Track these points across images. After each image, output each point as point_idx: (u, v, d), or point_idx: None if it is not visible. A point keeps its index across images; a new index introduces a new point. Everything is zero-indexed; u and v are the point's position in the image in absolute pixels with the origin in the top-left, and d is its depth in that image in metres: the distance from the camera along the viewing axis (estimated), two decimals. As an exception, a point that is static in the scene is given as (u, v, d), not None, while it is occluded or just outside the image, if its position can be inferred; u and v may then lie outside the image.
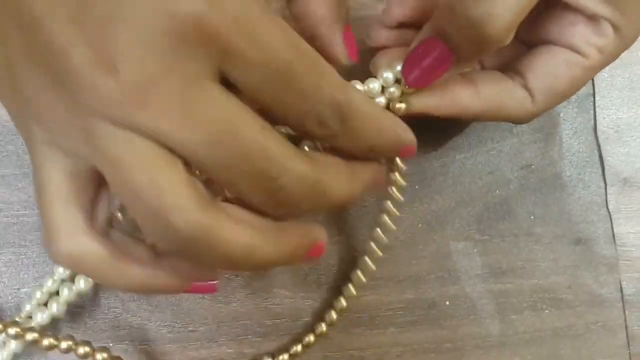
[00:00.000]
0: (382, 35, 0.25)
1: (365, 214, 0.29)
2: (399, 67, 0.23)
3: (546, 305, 0.30)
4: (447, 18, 0.21)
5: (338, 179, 0.20)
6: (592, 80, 0.31)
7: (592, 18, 0.23)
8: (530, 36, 0.25)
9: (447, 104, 0.23)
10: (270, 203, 0.19)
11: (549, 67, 0.24)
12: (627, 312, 0.30)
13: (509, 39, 0.21)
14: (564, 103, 0.31)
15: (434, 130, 0.30)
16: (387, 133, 0.21)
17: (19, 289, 0.27)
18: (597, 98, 0.31)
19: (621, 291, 0.30)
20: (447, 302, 0.29)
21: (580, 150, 0.31)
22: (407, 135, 0.22)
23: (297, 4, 0.21)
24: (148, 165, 0.16)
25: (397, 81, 0.23)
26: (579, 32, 0.23)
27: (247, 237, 0.18)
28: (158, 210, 0.16)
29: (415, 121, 0.29)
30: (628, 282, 0.30)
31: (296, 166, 0.18)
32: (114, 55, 0.15)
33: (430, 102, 0.23)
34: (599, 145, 0.31)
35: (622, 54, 0.31)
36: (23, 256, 0.27)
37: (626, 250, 0.30)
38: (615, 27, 0.23)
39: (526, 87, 0.24)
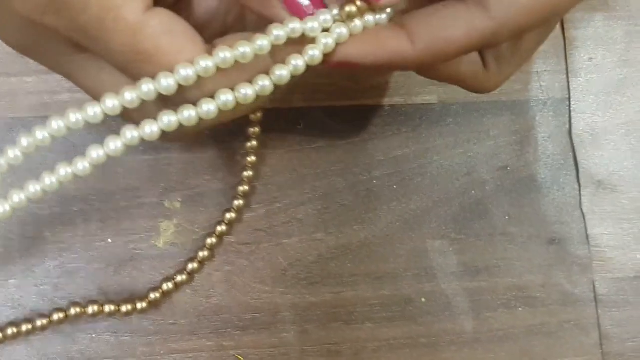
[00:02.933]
0: None
1: (347, 210, 0.30)
2: None
3: (520, 303, 0.30)
4: None
5: None
6: (568, 84, 0.32)
7: None
8: None
9: (374, 51, 0.21)
10: None
11: None
12: (599, 311, 0.31)
13: None
14: (539, 106, 0.32)
15: (412, 132, 0.31)
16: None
17: (7, 280, 0.28)
18: (572, 102, 0.32)
19: (594, 291, 0.31)
20: (423, 299, 0.30)
21: (556, 153, 0.32)
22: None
23: None
24: None
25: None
26: None
27: None
28: None
29: (396, 122, 0.31)
30: (601, 282, 0.31)
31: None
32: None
33: (355, 49, 0.21)
34: (574, 149, 0.32)
35: (599, 59, 0.32)
36: (10, 249, 0.28)
37: (600, 251, 0.31)
38: None
39: (481, 4, 0.20)
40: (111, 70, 0.20)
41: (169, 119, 0.19)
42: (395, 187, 0.30)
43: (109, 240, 0.28)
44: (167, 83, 0.18)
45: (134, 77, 0.19)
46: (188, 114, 0.19)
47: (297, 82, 0.21)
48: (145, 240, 0.28)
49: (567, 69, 0.32)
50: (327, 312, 0.29)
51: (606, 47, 0.32)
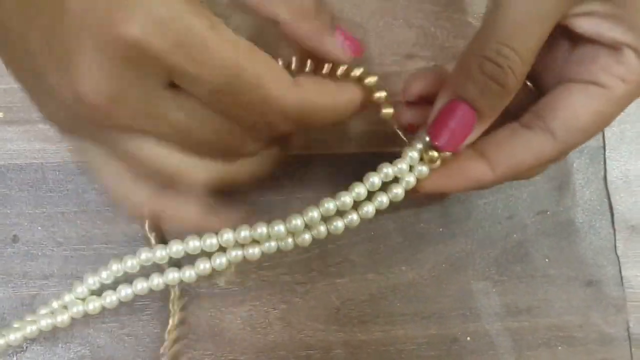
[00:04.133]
0: (406, 114, 0.26)
1: (396, 251, 0.31)
2: (427, 138, 0.24)
3: (559, 342, 0.32)
4: (459, 74, 0.23)
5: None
6: (603, 133, 0.34)
7: (613, 47, 0.23)
8: (547, 80, 0.25)
9: (459, 181, 0.24)
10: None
11: (568, 104, 0.23)
12: (633, 350, 0.32)
13: (521, 84, 0.22)
14: (577, 154, 0.33)
15: (458, 178, 0.32)
16: (341, 108, 0.23)
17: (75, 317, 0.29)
18: (607, 150, 0.34)
19: (628, 330, 0.32)
20: (468, 338, 0.31)
21: (592, 198, 0.33)
22: (358, 96, 0.24)
23: (282, 28, 0.22)
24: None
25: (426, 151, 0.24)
26: (600, 65, 0.23)
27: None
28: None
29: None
30: (635, 322, 0.33)
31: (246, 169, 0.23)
32: (76, 80, 0.18)
33: (441, 182, 0.24)
34: (609, 194, 0.33)
35: (632, 110, 0.34)
36: (80, 287, 0.29)
37: (633, 292, 0.33)
38: (637, 54, 0.22)
39: (547, 130, 0.23)
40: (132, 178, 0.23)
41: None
42: (441, 229, 0.32)
43: (172, 279, 0.30)
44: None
45: (220, 109, 0.20)
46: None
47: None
48: (207, 279, 0.30)
49: (602, 118, 0.34)
50: (378, 349, 0.31)
51: (638, 100, 0.34)
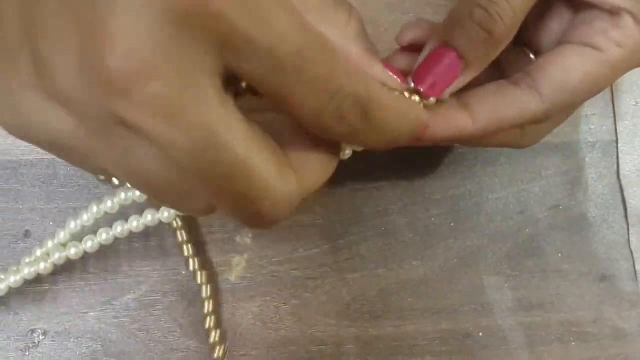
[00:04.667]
0: (398, 59, 0.26)
1: (407, 247, 0.31)
2: (412, 84, 0.23)
3: (572, 337, 0.32)
4: (449, 22, 0.22)
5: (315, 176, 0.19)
6: (615, 127, 0.33)
7: (611, 12, 0.22)
8: (547, 47, 0.25)
9: (438, 128, 0.23)
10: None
11: (558, 63, 0.23)
12: (648, 345, 0.32)
13: (512, 36, 0.22)
14: (589, 148, 0.33)
15: (470, 171, 0.32)
16: (410, 121, 0.20)
17: (86, 312, 0.29)
18: (619, 144, 0.33)
19: (643, 326, 0.32)
20: (480, 333, 0.31)
21: (604, 192, 0.33)
22: (424, 117, 0.21)
23: None
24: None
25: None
26: (596, 28, 0.22)
27: None
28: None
29: (452, 162, 0.32)
30: (649, 318, 0.32)
31: (278, 188, 0.17)
32: (104, 39, 0.14)
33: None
34: (621, 188, 0.33)
35: (644, 105, 0.33)
36: (91, 282, 0.29)
37: (647, 287, 0.33)
38: (636, 19, 0.22)
39: (534, 87, 0.23)
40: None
41: None
42: (452, 224, 0.32)
43: (183, 273, 0.30)
44: None
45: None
46: None
47: None
48: (218, 274, 0.30)
49: (614, 112, 0.34)
50: (389, 344, 0.30)
51: (650, 90, 0.34)
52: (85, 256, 0.28)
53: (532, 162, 0.33)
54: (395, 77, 0.22)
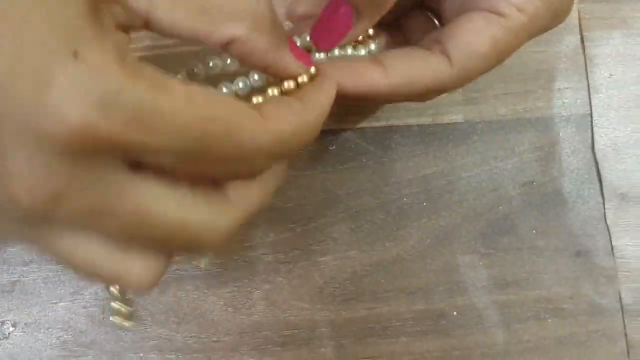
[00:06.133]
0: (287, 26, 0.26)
1: (379, 228, 0.31)
2: (308, 38, 0.24)
3: (549, 314, 0.31)
4: None
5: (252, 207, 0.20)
6: (590, 100, 0.33)
7: None
8: (451, 16, 0.26)
9: (352, 82, 0.23)
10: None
11: (466, 29, 0.23)
12: (626, 321, 0.32)
13: None
14: (563, 122, 0.33)
15: (442, 150, 0.32)
16: (313, 125, 0.20)
17: (56, 303, 0.29)
18: (594, 117, 0.33)
19: (620, 301, 0.32)
20: (455, 313, 0.31)
21: (579, 167, 0.33)
22: (327, 103, 0.22)
23: (237, 47, 0.20)
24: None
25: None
26: None
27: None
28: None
29: (423, 141, 0.32)
30: (627, 292, 0.32)
31: (216, 228, 0.18)
32: (9, 182, 0.15)
33: (337, 78, 0.23)
34: (597, 163, 0.32)
35: (619, 75, 0.33)
36: (60, 273, 0.29)
37: (625, 262, 0.32)
38: None
39: (444, 53, 0.24)
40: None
41: None
42: (424, 204, 0.31)
43: (153, 262, 0.29)
44: None
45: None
46: None
47: None
48: (188, 261, 0.30)
49: (588, 85, 0.33)
50: (363, 327, 0.30)
51: (625, 64, 0.33)
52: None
53: (505, 139, 0.32)
54: (301, 64, 0.22)
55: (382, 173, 0.31)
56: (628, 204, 0.32)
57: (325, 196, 0.31)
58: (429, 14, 0.28)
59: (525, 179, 0.32)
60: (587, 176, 0.32)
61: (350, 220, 0.31)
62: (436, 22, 0.27)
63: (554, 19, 0.24)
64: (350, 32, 0.24)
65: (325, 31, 0.24)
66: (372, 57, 0.24)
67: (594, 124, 0.33)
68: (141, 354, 0.29)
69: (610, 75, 0.33)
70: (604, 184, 0.32)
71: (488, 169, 0.32)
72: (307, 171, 0.31)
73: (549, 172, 0.32)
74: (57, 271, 0.29)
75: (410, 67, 0.24)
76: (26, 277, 0.29)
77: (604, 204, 0.32)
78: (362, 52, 0.26)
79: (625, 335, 0.32)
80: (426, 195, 0.32)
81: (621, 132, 0.33)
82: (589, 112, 0.33)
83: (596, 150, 0.33)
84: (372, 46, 0.26)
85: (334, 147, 0.31)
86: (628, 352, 0.31)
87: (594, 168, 0.33)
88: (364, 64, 0.24)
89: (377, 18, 0.25)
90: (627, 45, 0.33)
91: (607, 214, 0.32)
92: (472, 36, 0.23)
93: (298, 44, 0.24)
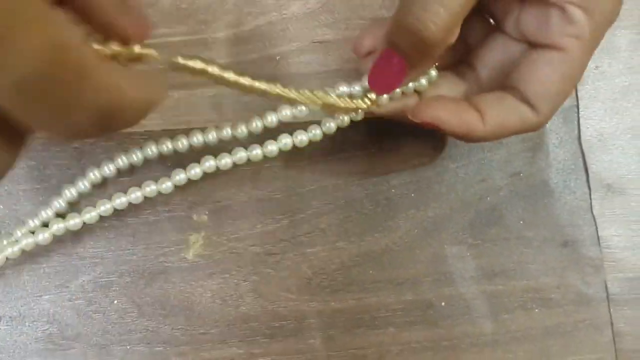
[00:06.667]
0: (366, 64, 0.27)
1: (368, 219, 0.31)
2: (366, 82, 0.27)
3: (536, 304, 0.31)
4: (392, 29, 0.24)
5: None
6: (576, 92, 0.33)
7: (563, 8, 0.24)
8: (499, 10, 0.27)
9: (455, 122, 0.25)
10: None
11: (536, 74, 0.25)
12: (612, 310, 0.32)
13: (449, 40, 0.23)
14: (550, 114, 0.33)
15: (430, 141, 0.32)
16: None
17: (41, 296, 0.28)
18: (580, 109, 0.33)
19: (606, 291, 0.32)
20: (443, 303, 0.31)
21: (566, 158, 0.33)
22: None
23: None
24: None
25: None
26: (554, 28, 0.24)
27: None
28: None
29: (412, 132, 0.32)
30: (613, 282, 0.32)
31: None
32: None
33: (440, 115, 0.26)
34: (583, 154, 0.33)
35: (605, 67, 0.33)
36: (44, 265, 0.29)
37: (611, 252, 0.32)
38: (584, 10, 0.24)
39: (525, 99, 0.25)
40: None
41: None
42: (413, 195, 0.31)
43: (140, 254, 0.29)
44: None
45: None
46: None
47: None
48: (175, 253, 0.29)
49: (574, 77, 0.33)
50: (351, 317, 0.30)
51: (611, 56, 0.33)
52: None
53: (492, 130, 0.32)
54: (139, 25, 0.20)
55: (371, 164, 0.31)
56: (614, 194, 0.33)
57: (312, 187, 0.31)
58: (486, 15, 0.29)
59: (513, 170, 0.32)
60: (573, 167, 0.33)
61: (339, 211, 0.31)
62: (492, 21, 0.28)
63: (608, 24, 0.25)
64: (406, 78, 0.25)
65: (381, 78, 0.25)
66: (468, 99, 0.26)
67: (580, 115, 0.33)
68: (128, 347, 0.29)
69: (597, 67, 0.33)
70: (590, 174, 0.33)
71: (476, 159, 0.32)
72: (295, 162, 0.31)
73: (536, 163, 0.32)
74: (41, 263, 0.29)
75: (504, 117, 0.26)
76: (10, 270, 0.28)
77: (590, 194, 0.33)
78: (423, 81, 0.28)
79: (612, 324, 0.32)
80: (415, 186, 0.32)
81: (607, 123, 0.33)
82: (575, 103, 0.33)
83: (582, 142, 0.33)
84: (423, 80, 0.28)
85: (321, 138, 0.31)
86: (614, 341, 0.32)
87: (580, 159, 0.33)
88: (465, 106, 0.26)
89: (430, 66, 0.27)
90: (613, 37, 0.34)
91: (593, 205, 0.32)
92: (547, 83, 0.25)
93: (359, 86, 0.27)
